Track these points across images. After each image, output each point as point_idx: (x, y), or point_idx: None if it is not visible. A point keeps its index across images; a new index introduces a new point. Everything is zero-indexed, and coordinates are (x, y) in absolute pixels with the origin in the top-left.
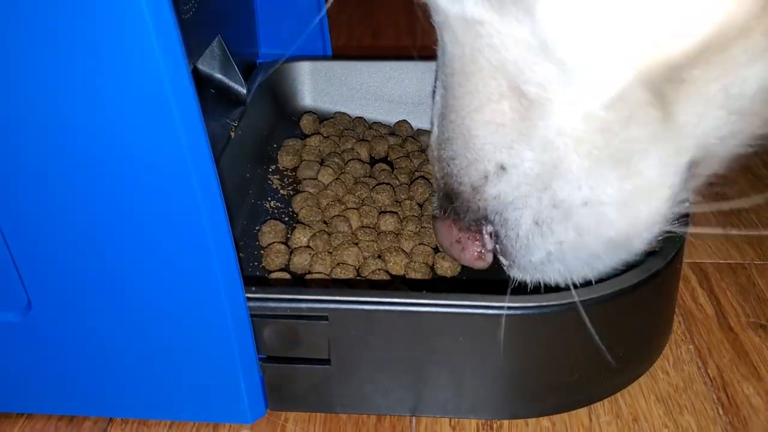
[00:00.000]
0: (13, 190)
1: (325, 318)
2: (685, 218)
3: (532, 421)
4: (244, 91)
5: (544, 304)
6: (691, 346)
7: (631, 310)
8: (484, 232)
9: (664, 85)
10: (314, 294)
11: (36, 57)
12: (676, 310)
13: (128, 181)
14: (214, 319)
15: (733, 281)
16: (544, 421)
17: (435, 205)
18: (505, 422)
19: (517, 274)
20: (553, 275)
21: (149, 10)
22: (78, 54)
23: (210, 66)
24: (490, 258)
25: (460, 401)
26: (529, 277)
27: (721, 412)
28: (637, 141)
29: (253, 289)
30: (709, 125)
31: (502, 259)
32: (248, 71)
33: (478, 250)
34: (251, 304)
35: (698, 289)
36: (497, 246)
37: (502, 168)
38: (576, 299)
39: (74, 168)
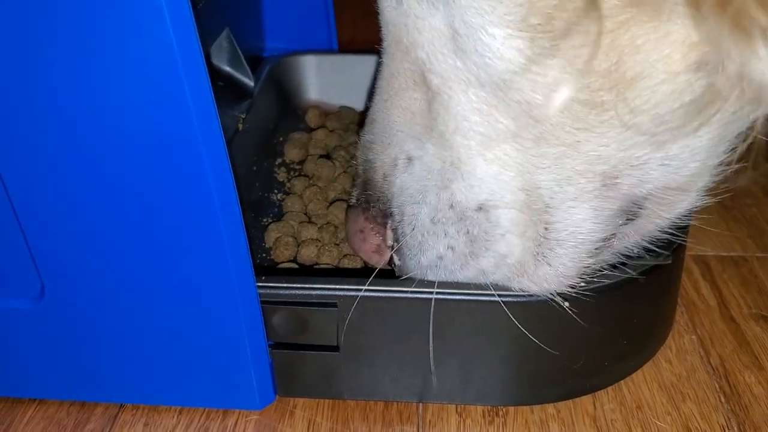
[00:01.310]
0: (29, 180)
1: (335, 305)
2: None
3: (537, 408)
4: (252, 84)
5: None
6: (693, 336)
7: (635, 300)
8: (388, 226)
9: (580, 107)
10: (323, 281)
11: (52, 45)
12: (679, 300)
13: (142, 169)
14: (224, 306)
15: (735, 273)
16: (549, 408)
17: (352, 192)
18: (511, 409)
19: (403, 272)
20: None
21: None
22: (95, 42)
23: (218, 58)
24: (387, 255)
25: (467, 388)
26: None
27: (723, 400)
28: (544, 156)
29: (263, 277)
30: (619, 148)
31: (395, 257)
32: (255, 65)
33: (377, 243)
34: (261, 291)
35: (701, 280)
36: (395, 244)
37: (410, 158)
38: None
39: (89, 156)
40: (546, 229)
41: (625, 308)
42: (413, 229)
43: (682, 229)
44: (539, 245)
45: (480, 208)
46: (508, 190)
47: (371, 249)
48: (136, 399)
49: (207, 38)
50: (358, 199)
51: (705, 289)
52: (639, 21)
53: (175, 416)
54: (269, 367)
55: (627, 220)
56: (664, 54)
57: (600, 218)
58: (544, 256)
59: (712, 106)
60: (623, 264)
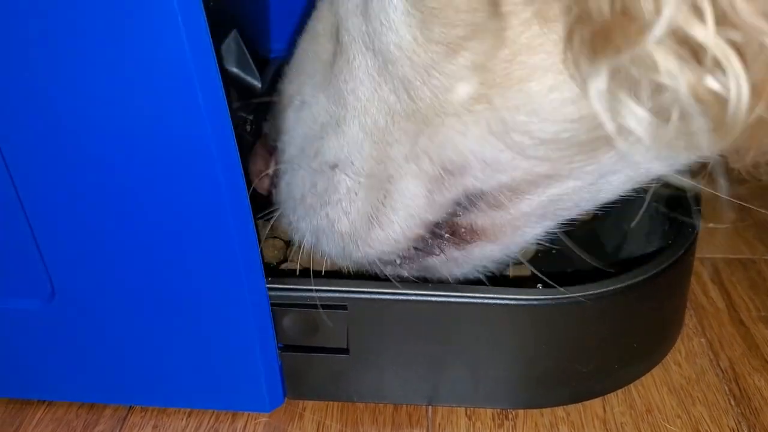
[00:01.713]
0: (40, 183)
1: (344, 307)
2: (697, 208)
3: (546, 410)
4: (260, 85)
5: (559, 296)
6: (702, 339)
7: (644, 303)
8: (273, 156)
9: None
10: (333, 283)
11: (66, 46)
12: (688, 303)
13: (152, 173)
14: (234, 308)
15: (743, 276)
16: (559, 410)
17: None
18: (520, 412)
19: (274, 202)
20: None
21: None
22: (107, 46)
23: (226, 60)
24: (266, 182)
25: (476, 391)
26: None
27: (732, 403)
28: (404, 132)
29: (270, 279)
30: (478, 145)
31: (271, 183)
32: (262, 66)
33: (261, 168)
34: (271, 293)
35: (709, 283)
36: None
37: (303, 102)
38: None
39: (99, 159)
40: (384, 197)
41: (634, 312)
42: (284, 164)
43: (691, 231)
44: (376, 210)
45: (333, 167)
46: (361, 157)
47: (256, 172)
48: (146, 401)
49: (216, 40)
50: (268, 124)
51: (714, 291)
52: (541, 19)
53: (184, 418)
54: (279, 369)
55: (460, 209)
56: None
57: (433, 201)
58: (379, 221)
59: (595, 144)
60: (630, 268)
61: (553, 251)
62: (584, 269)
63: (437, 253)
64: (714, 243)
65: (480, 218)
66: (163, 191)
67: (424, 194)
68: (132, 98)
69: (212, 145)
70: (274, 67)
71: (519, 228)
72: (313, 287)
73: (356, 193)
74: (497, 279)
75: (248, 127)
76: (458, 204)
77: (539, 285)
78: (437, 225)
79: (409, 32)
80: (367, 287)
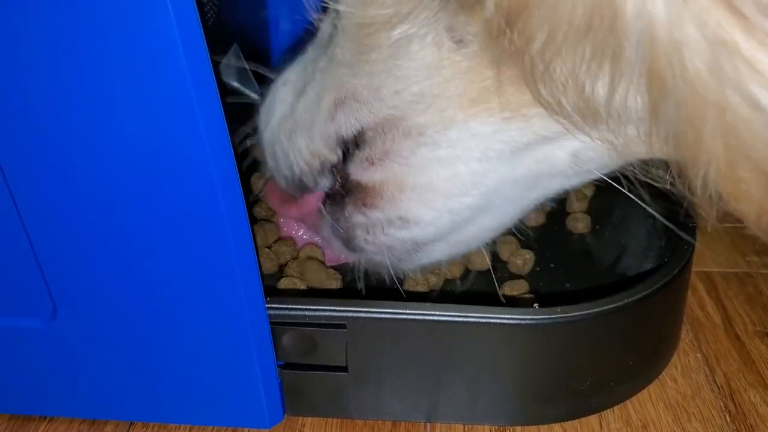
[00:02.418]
0: (41, 203)
1: (343, 326)
2: (692, 225)
3: (544, 427)
4: (259, 99)
5: (555, 316)
6: (699, 354)
7: (640, 321)
8: None
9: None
10: (332, 302)
11: (60, 64)
12: (684, 318)
13: (152, 191)
14: (234, 327)
15: (739, 290)
16: (556, 427)
17: None
18: (518, 428)
19: None
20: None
21: (176, 18)
22: (104, 64)
23: (227, 74)
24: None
25: (474, 408)
26: None
27: (728, 419)
28: (322, 70)
29: (269, 298)
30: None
31: None
32: (262, 80)
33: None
34: (270, 312)
35: (706, 297)
36: None
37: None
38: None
39: (100, 177)
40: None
41: (631, 329)
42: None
43: (687, 248)
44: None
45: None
46: (290, 102)
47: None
48: (147, 417)
49: (216, 55)
50: None
51: (710, 306)
52: None
53: None
54: (278, 386)
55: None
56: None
57: (324, 131)
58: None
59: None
60: (626, 284)
61: (551, 265)
62: (581, 285)
63: (345, 207)
64: (711, 256)
65: (375, 173)
66: (163, 212)
67: (324, 122)
68: (132, 120)
69: (212, 168)
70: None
71: (415, 195)
72: (312, 306)
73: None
74: (495, 298)
75: (248, 142)
76: (346, 142)
77: (536, 304)
78: (337, 167)
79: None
80: (365, 306)
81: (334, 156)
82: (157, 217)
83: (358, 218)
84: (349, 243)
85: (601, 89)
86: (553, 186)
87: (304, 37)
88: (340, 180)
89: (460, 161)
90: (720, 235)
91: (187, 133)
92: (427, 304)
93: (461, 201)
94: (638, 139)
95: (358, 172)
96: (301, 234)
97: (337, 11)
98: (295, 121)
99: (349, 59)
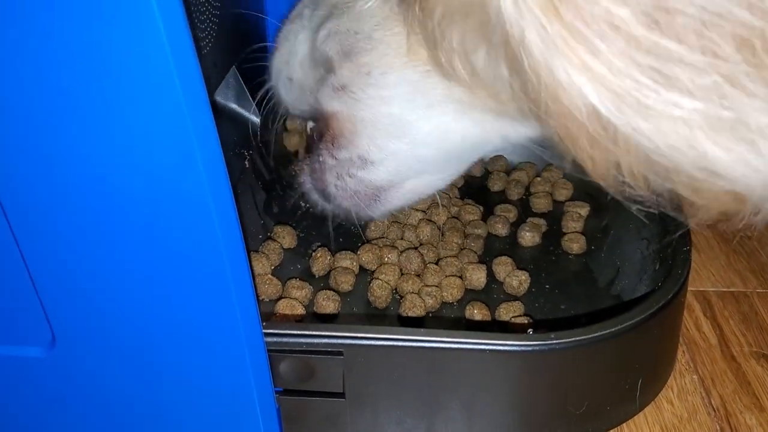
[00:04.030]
0: (39, 233)
1: (340, 353)
2: (687, 249)
3: None
4: (258, 121)
5: (550, 342)
6: (695, 376)
7: (635, 346)
8: None
9: None
10: (329, 329)
11: (58, 99)
12: (681, 339)
13: (149, 220)
14: (231, 354)
15: (735, 309)
16: None
17: None
18: None
19: None
20: None
21: (172, 50)
22: (101, 96)
23: (225, 96)
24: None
25: None
26: None
27: None
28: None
29: (266, 324)
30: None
31: None
32: (262, 97)
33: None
34: (268, 339)
35: (702, 317)
36: None
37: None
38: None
39: (97, 206)
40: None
41: (625, 354)
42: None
43: (680, 273)
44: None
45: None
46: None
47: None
48: None
49: (215, 78)
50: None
51: (706, 326)
52: None
53: None
54: (276, 412)
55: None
56: None
57: (314, 52)
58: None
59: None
60: (622, 311)
61: (546, 287)
62: (576, 307)
63: (320, 151)
64: (707, 275)
65: (334, 102)
66: (160, 241)
67: (315, 45)
68: (128, 150)
69: (209, 197)
70: (273, 100)
71: (366, 131)
72: (309, 333)
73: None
74: (491, 324)
75: (246, 163)
76: (323, 61)
77: (530, 330)
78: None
79: None
80: (362, 333)
81: (318, 73)
82: (154, 247)
83: (329, 161)
84: (323, 192)
85: (480, 58)
86: (484, 141)
87: None
88: (318, 117)
89: (396, 103)
90: (716, 254)
91: (183, 164)
92: (422, 330)
93: (400, 145)
94: (509, 102)
95: (324, 98)
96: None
97: None
98: (299, 50)
99: (339, 5)
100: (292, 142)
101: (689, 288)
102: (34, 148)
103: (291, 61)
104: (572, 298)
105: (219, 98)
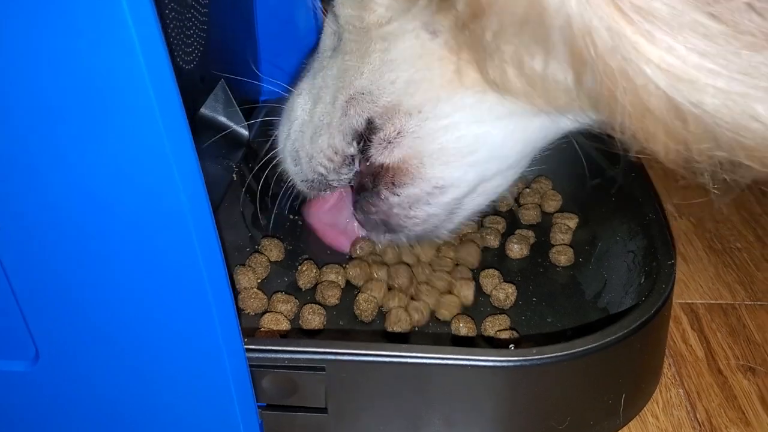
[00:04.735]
0: (23, 247)
1: (322, 369)
2: (671, 263)
3: None
4: (246, 134)
5: (532, 357)
6: (680, 390)
7: (618, 359)
8: None
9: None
10: (311, 345)
11: (33, 108)
12: (667, 351)
13: (129, 238)
14: (214, 370)
15: (723, 322)
16: None
17: None
18: None
19: None
20: None
21: (149, 72)
22: (78, 116)
23: (213, 109)
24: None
25: None
26: None
27: None
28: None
29: (247, 340)
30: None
31: None
32: (251, 110)
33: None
34: (250, 355)
35: (689, 330)
36: None
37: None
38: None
39: (80, 226)
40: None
41: (609, 369)
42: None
43: (665, 288)
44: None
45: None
46: (308, 109)
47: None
48: None
49: (202, 93)
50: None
51: (693, 339)
52: None
53: None
54: (259, 428)
55: (361, 143)
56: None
57: (340, 126)
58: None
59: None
60: (606, 325)
61: (533, 299)
62: (563, 320)
63: (379, 193)
64: (695, 287)
65: (395, 150)
66: (141, 258)
67: (338, 119)
68: (108, 167)
69: (188, 217)
70: (264, 111)
71: (436, 160)
72: (291, 348)
73: (308, 113)
74: (476, 339)
75: (234, 176)
76: (361, 132)
77: (511, 346)
78: (357, 158)
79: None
80: (344, 349)
81: (351, 148)
82: (134, 264)
83: (394, 199)
84: (388, 225)
85: (537, 65)
86: (548, 133)
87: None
88: (365, 169)
89: (461, 126)
90: (705, 265)
91: (162, 182)
92: (404, 345)
93: (476, 157)
94: (568, 104)
95: (378, 154)
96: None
97: (337, 24)
98: (315, 125)
99: (355, 62)
100: None
101: (677, 300)
102: (15, 163)
103: (301, 137)
104: (559, 311)
105: (207, 111)
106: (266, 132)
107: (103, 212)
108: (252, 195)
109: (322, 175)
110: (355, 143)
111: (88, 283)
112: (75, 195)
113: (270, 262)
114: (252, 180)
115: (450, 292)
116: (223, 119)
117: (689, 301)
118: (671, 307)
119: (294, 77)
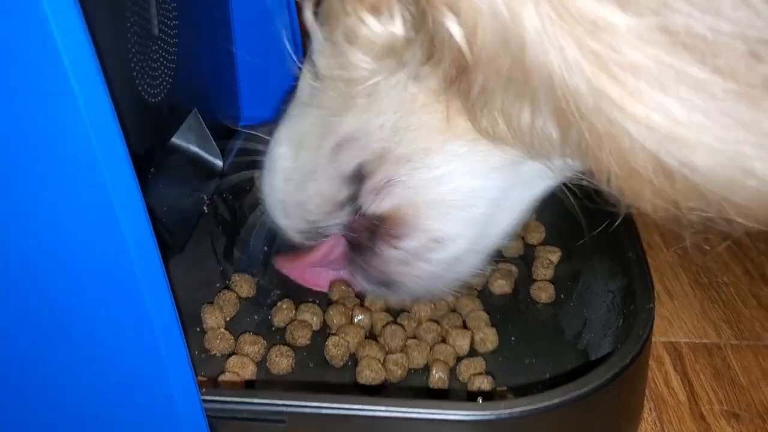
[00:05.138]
0: None
1: (283, 420)
2: (650, 306)
3: None
4: (220, 164)
5: (500, 411)
6: None
7: (592, 411)
8: None
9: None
10: (271, 396)
11: None
12: (648, 394)
13: (73, 290)
14: (170, 423)
15: (707, 363)
16: None
17: None
18: None
19: None
20: None
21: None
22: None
23: (186, 139)
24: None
25: None
26: None
27: None
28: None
29: (204, 391)
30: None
31: None
32: (228, 135)
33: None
34: (208, 405)
35: (671, 371)
36: None
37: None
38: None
39: (22, 283)
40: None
41: (584, 419)
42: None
43: (644, 326)
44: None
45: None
46: (290, 156)
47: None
48: None
49: (172, 125)
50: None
51: (675, 381)
52: None
53: None
54: None
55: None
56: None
57: (329, 173)
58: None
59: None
60: (581, 374)
61: (512, 339)
62: (541, 359)
63: (373, 247)
64: (679, 324)
65: (384, 200)
66: (90, 311)
67: (325, 165)
68: (50, 228)
69: (139, 272)
70: (242, 137)
71: (433, 211)
72: (249, 399)
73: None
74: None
75: (205, 209)
76: (352, 179)
77: (479, 398)
78: (349, 203)
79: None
80: (305, 401)
81: (342, 194)
82: (83, 318)
83: (392, 253)
84: (383, 280)
85: (523, 120)
86: (547, 180)
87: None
88: (358, 222)
89: (455, 177)
90: (690, 301)
91: (107, 237)
92: (368, 398)
93: (474, 212)
94: (557, 156)
95: (369, 203)
96: (326, 276)
97: (314, 71)
98: (301, 172)
99: (337, 107)
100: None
101: (660, 339)
102: None
103: (286, 187)
104: (537, 352)
105: (179, 141)
106: (242, 161)
107: (46, 268)
108: (225, 226)
109: (314, 222)
110: (345, 189)
111: (35, 341)
112: (12, 252)
113: (239, 298)
114: (227, 210)
115: (444, 341)
116: (195, 149)
117: (672, 340)
118: (650, 352)
119: (274, 104)
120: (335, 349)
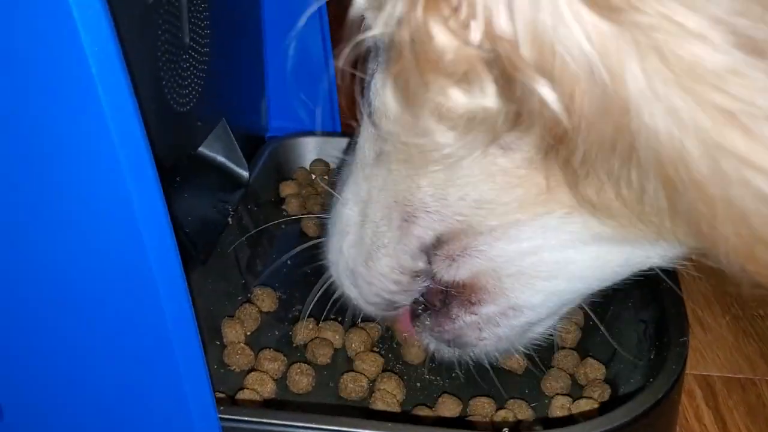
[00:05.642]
0: None
1: None
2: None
3: None
4: (246, 174)
5: None
6: None
7: None
8: None
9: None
10: (290, 418)
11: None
12: (679, 430)
13: (94, 298)
14: None
15: (741, 399)
16: None
17: None
18: None
19: None
20: None
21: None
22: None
23: (213, 149)
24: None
25: None
26: None
27: None
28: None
29: (222, 409)
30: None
31: None
32: (257, 145)
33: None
34: (225, 424)
35: (703, 406)
36: None
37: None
38: None
39: (45, 292)
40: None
41: None
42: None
43: (677, 360)
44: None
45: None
46: (356, 199)
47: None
48: None
49: (200, 134)
50: None
51: (708, 417)
52: None
53: None
54: None
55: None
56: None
57: (404, 246)
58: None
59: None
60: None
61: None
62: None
63: (450, 312)
64: (712, 358)
65: (460, 269)
66: (108, 321)
67: (398, 238)
68: (72, 230)
69: (159, 284)
70: (269, 149)
71: (515, 282)
72: (268, 420)
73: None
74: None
75: (230, 220)
76: (427, 249)
77: (505, 430)
78: (422, 274)
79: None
80: (324, 424)
81: (416, 266)
82: (101, 326)
83: (468, 318)
84: (457, 342)
85: (632, 188)
86: (634, 265)
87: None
88: (433, 286)
89: (542, 251)
90: (724, 333)
91: (128, 243)
92: (388, 424)
93: (557, 284)
94: (666, 229)
95: (443, 271)
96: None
97: (376, 132)
98: (369, 249)
99: (408, 174)
100: (287, 191)
101: (692, 372)
102: None
103: (355, 258)
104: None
105: (206, 150)
106: (268, 173)
107: (68, 279)
108: (249, 238)
109: (386, 299)
110: (418, 261)
111: (51, 344)
112: (38, 254)
113: (261, 312)
114: (250, 221)
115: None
116: (222, 159)
117: (705, 373)
118: (682, 388)
119: (301, 116)
120: (352, 385)
